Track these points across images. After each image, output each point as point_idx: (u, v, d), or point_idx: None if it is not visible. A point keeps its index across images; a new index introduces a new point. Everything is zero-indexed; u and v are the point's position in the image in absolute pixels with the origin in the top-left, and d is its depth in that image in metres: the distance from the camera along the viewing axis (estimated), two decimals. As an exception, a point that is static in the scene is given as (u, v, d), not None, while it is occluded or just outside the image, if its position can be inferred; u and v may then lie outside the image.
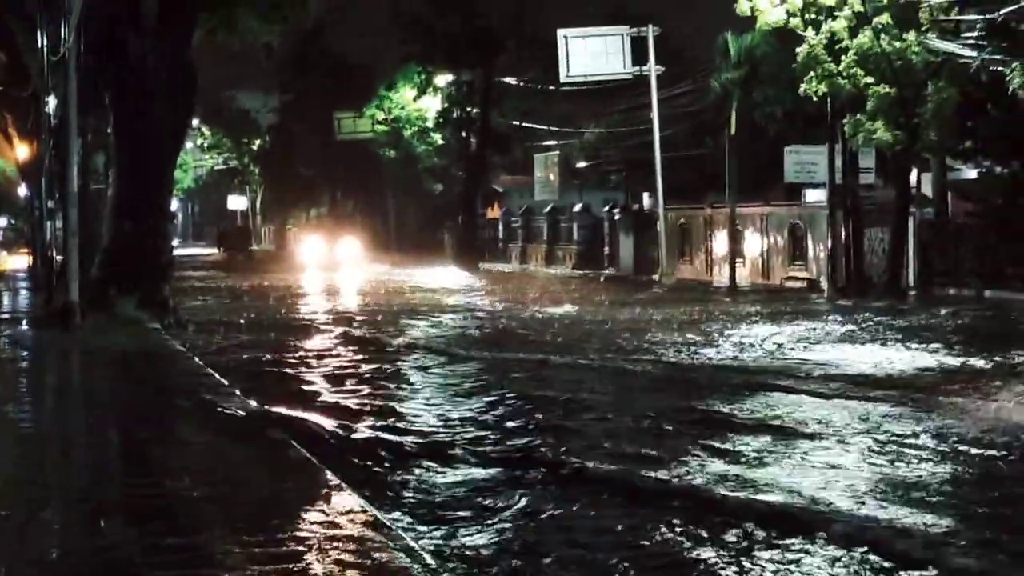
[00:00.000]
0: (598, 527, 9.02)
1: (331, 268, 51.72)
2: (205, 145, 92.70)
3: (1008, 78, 26.06)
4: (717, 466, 10.93)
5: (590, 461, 11.03)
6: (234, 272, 51.92)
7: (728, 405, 14.40)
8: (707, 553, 8.33)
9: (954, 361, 18.44)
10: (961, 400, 14.57)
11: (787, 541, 8.50)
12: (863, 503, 9.53)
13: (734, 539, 8.61)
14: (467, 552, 8.38)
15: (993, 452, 11.59)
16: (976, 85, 28.58)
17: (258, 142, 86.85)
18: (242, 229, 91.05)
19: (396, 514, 9.18)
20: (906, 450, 11.58)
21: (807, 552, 8.29)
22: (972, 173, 36.45)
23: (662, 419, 13.42)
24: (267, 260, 67.57)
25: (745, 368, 17.99)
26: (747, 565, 8.09)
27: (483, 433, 12.76)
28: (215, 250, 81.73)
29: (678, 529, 8.83)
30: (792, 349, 20.42)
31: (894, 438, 12.15)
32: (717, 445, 11.84)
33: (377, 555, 7.09)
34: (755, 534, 8.68)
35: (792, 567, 8.02)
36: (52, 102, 25.83)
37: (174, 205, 71.62)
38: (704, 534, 8.71)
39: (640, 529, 8.89)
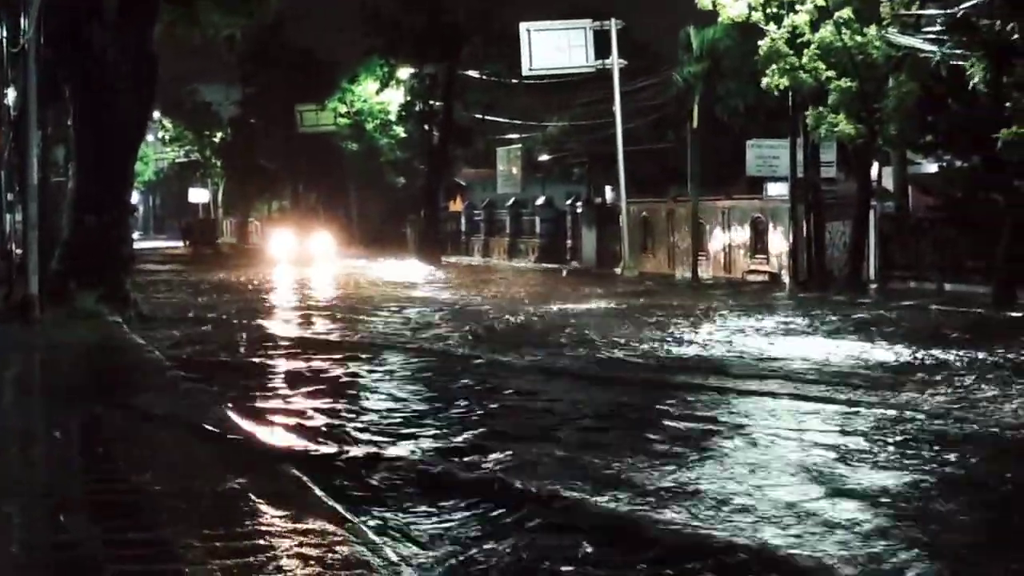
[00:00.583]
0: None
1: (301, 263, 51.31)
2: (167, 138, 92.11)
3: (968, 73, 26.24)
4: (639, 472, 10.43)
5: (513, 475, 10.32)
6: (202, 266, 51.53)
7: (668, 405, 14.07)
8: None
9: (907, 356, 18.46)
10: (906, 396, 14.51)
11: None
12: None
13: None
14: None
15: (927, 453, 11.31)
16: (936, 79, 28.75)
17: (220, 135, 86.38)
18: (208, 222, 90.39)
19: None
20: (843, 453, 11.27)
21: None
22: (932, 167, 36.74)
23: (602, 420, 13.29)
24: (234, 254, 67.08)
25: (694, 366, 17.77)
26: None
27: (414, 431, 12.53)
28: (180, 244, 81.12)
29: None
30: (748, 345, 20.30)
31: (833, 441, 11.83)
32: (646, 449, 11.46)
33: (339, 548, 7.11)
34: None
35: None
36: (11, 94, 25.65)
37: (135, 198, 71.29)
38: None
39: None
